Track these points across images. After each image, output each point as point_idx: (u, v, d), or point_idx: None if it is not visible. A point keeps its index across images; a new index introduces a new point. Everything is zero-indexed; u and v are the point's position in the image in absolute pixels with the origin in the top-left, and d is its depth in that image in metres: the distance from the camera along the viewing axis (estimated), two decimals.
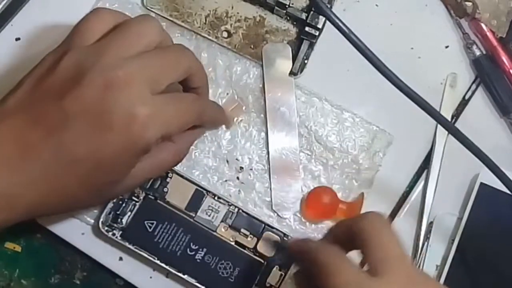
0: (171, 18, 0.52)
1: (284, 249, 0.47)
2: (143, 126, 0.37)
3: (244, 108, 0.52)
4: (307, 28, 0.51)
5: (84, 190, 0.38)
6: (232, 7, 0.53)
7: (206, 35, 0.53)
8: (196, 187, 0.48)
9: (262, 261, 0.47)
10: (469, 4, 0.54)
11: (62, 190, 0.38)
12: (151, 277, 0.48)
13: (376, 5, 0.55)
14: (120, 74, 0.36)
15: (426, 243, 0.50)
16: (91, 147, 0.36)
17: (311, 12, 0.51)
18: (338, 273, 0.35)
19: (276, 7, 0.52)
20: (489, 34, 0.54)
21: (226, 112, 0.51)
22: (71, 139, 0.36)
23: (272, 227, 0.48)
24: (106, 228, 0.46)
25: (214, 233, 0.47)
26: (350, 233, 0.38)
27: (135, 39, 0.39)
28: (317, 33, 0.52)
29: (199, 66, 0.44)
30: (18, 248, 0.49)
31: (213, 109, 0.48)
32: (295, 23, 0.53)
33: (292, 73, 0.52)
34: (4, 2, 0.49)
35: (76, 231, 0.48)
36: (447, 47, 0.55)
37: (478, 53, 0.54)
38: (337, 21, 0.42)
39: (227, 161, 0.51)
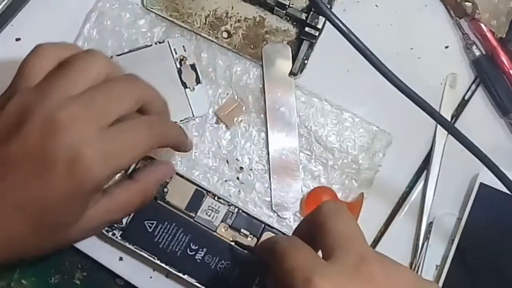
0: (171, 19, 0.52)
1: (253, 251, 0.46)
2: (86, 166, 0.36)
3: (244, 108, 0.52)
4: (307, 29, 0.52)
5: (34, 236, 0.37)
6: (232, 8, 0.53)
7: (206, 36, 0.53)
8: (196, 187, 0.48)
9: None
10: (468, 4, 0.54)
11: (10, 237, 0.37)
12: (151, 277, 0.48)
13: (376, 5, 0.55)
14: (62, 116, 0.36)
15: (426, 243, 0.50)
16: (35, 192, 0.36)
17: (311, 13, 0.51)
18: (290, 258, 0.35)
19: (276, 8, 0.52)
20: (488, 34, 0.54)
21: (226, 113, 0.51)
22: (14, 185, 0.36)
23: (272, 227, 0.48)
24: (106, 228, 0.46)
25: (214, 233, 0.47)
26: (310, 227, 0.38)
27: (79, 76, 0.38)
28: (317, 34, 0.52)
29: (153, 94, 0.42)
30: None
31: (174, 131, 0.45)
32: (295, 23, 0.53)
33: (292, 73, 0.52)
34: (5, 2, 0.49)
35: None
36: (447, 47, 0.55)
37: (477, 53, 0.54)
38: (337, 21, 0.42)
39: (227, 161, 0.51)
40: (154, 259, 0.46)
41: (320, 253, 0.36)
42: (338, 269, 0.34)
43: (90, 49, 0.41)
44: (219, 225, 0.47)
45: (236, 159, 0.51)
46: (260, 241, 0.47)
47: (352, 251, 0.35)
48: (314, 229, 0.37)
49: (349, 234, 0.36)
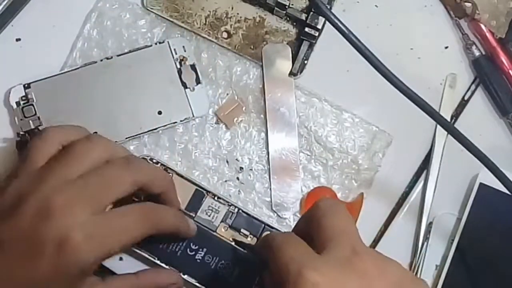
0: (171, 19, 0.53)
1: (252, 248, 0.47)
2: (73, 249, 0.37)
3: (244, 108, 0.52)
4: (306, 29, 0.52)
5: None
6: (232, 8, 0.54)
7: (206, 36, 0.53)
8: (196, 187, 0.48)
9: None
10: (468, 5, 0.54)
11: None
12: None
13: (376, 5, 0.55)
14: (56, 200, 0.37)
15: (425, 243, 0.51)
16: (26, 273, 0.37)
17: (311, 13, 0.52)
18: (284, 252, 0.35)
19: (276, 8, 0.52)
20: (488, 34, 0.54)
21: (226, 113, 0.51)
22: (5, 264, 0.37)
23: (272, 227, 0.48)
24: None
25: (214, 233, 0.47)
26: (307, 223, 0.39)
27: (77, 161, 0.40)
28: (316, 34, 0.52)
29: (152, 174, 0.42)
30: None
31: (171, 218, 0.44)
32: (295, 23, 0.54)
33: (292, 74, 0.52)
34: (5, 2, 0.49)
35: None
36: (446, 47, 0.55)
37: (477, 53, 0.54)
38: (337, 21, 0.42)
39: (227, 162, 0.51)
40: (154, 259, 0.46)
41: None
42: (330, 262, 0.34)
43: (92, 135, 0.43)
44: (219, 225, 0.47)
45: (236, 159, 0.51)
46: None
47: (345, 244, 0.35)
48: (311, 225, 0.37)
49: (342, 228, 0.36)
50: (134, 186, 0.41)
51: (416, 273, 0.50)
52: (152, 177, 0.42)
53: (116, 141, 0.49)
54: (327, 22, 0.45)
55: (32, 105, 0.49)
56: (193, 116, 0.51)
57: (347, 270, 0.34)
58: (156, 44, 0.52)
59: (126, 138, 0.50)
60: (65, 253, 0.37)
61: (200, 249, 0.47)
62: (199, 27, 0.53)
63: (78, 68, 0.50)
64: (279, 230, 0.48)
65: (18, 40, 0.52)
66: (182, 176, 0.48)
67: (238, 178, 0.51)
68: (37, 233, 0.37)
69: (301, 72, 0.53)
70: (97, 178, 0.40)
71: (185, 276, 0.46)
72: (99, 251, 0.38)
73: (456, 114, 0.54)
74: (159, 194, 0.43)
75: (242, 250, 0.47)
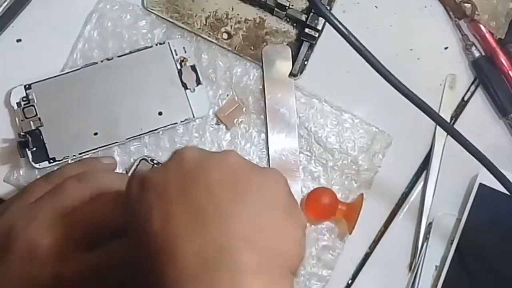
0: (171, 20, 0.53)
1: None
2: (44, 252, 0.38)
3: (244, 109, 0.52)
4: (306, 30, 0.52)
5: None
6: (232, 9, 0.54)
7: (206, 37, 0.53)
8: None
9: None
10: (468, 5, 0.54)
11: None
12: None
13: (376, 6, 0.55)
14: (44, 243, 0.39)
15: (425, 244, 0.51)
16: None
17: (311, 14, 0.52)
18: None
19: (276, 9, 0.52)
20: (488, 35, 0.54)
21: (226, 114, 0.51)
22: None
23: None
24: None
25: None
26: None
27: (68, 193, 0.42)
28: (316, 35, 0.52)
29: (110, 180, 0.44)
30: None
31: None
32: (295, 24, 0.54)
33: (292, 75, 0.53)
34: (6, 3, 0.49)
35: None
36: (446, 48, 0.55)
37: (477, 54, 0.54)
38: (337, 22, 0.42)
39: None
40: None
41: None
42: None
43: (82, 174, 0.44)
44: None
45: None
46: None
47: None
48: None
49: None
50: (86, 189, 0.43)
51: (416, 273, 0.50)
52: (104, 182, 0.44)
53: (116, 142, 0.50)
54: (327, 23, 0.45)
55: (33, 105, 0.49)
56: (194, 117, 0.51)
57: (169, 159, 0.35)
58: (156, 45, 0.52)
59: (127, 138, 0.50)
60: (36, 258, 0.39)
61: None
62: (200, 28, 0.53)
63: (78, 69, 0.51)
64: None
65: (19, 41, 0.52)
66: None
67: None
68: (29, 273, 0.39)
69: (301, 73, 0.53)
70: (52, 192, 0.43)
71: None
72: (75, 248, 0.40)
73: (456, 115, 0.54)
74: None
75: None
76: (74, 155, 0.49)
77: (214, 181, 0.33)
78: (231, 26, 0.53)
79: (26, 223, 0.40)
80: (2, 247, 0.40)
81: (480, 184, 0.51)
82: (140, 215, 0.33)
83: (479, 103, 0.55)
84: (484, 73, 0.54)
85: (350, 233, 0.48)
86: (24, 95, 0.49)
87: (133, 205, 0.34)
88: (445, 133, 0.52)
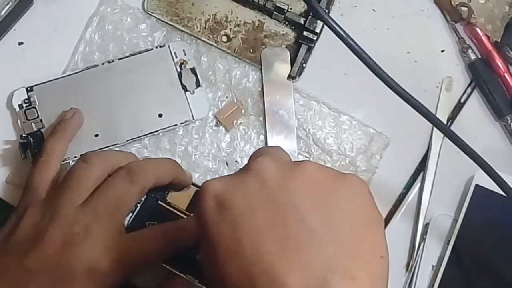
0: (171, 23, 0.53)
1: None
2: (104, 276, 0.39)
3: (243, 111, 0.53)
4: (305, 33, 0.52)
5: None
6: (232, 12, 0.54)
7: (206, 40, 0.53)
8: (196, 188, 0.48)
9: None
10: (464, 9, 0.54)
11: None
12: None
13: (373, 10, 0.56)
14: (76, 230, 0.40)
15: (422, 244, 0.51)
16: None
17: (309, 17, 0.52)
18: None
19: (274, 12, 0.53)
20: (484, 38, 0.55)
21: (226, 115, 0.52)
22: None
23: None
24: None
25: None
26: None
27: (80, 184, 0.42)
28: (315, 38, 0.52)
29: (157, 174, 0.44)
30: None
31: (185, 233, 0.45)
32: (293, 27, 0.54)
33: (290, 77, 0.53)
34: (8, 6, 0.50)
35: None
36: (443, 51, 0.56)
37: (473, 57, 0.54)
38: (335, 25, 0.43)
39: (227, 163, 0.52)
40: None
41: None
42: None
43: (87, 154, 0.45)
44: None
45: (236, 161, 0.52)
46: None
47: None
48: None
49: None
50: (143, 194, 0.43)
51: (413, 273, 0.50)
52: (157, 177, 0.44)
53: (117, 144, 0.50)
54: (325, 26, 0.45)
55: (35, 107, 0.50)
56: (193, 118, 0.52)
57: (244, 173, 0.33)
58: (156, 47, 0.52)
59: (127, 140, 0.50)
60: (95, 279, 0.39)
61: None
62: (199, 31, 0.53)
63: (80, 72, 0.51)
64: None
65: (20, 43, 0.52)
66: None
67: None
68: (64, 260, 0.39)
69: (299, 75, 0.53)
70: (105, 201, 0.42)
71: (187, 276, 0.46)
72: (126, 273, 0.41)
73: (452, 117, 0.55)
74: (171, 181, 0.46)
75: None
76: (75, 156, 0.49)
77: (301, 204, 0.31)
78: (230, 29, 0.54)
79: (51, 216, 0.41)
80: (32, 238, 0.40)
81: (476, 185, 0.51)
82: (223, 235, 0.31)
83: (475, 105, 0.55)
84: (480, 75, 0.54)
85: None
86: (26, 97, 0.50)
87: (212, 225, 0.32)
88: (442, 135, 0.52)
